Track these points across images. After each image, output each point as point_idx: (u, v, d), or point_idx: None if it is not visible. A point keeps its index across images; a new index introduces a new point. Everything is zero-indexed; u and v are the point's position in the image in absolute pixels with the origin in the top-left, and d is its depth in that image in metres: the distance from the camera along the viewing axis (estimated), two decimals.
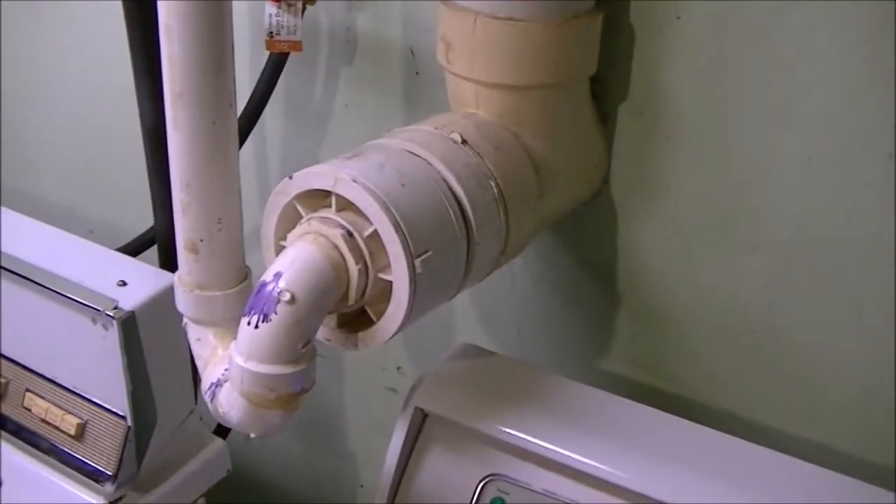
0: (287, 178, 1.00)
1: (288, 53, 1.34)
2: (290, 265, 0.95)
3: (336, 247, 0.96)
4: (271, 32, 1.28)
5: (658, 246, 1.24)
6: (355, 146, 1.07)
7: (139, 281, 1.30)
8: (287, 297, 0.93)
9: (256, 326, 0.94)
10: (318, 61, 1.43)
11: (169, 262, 1.41)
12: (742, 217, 1.17)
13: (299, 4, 1.27)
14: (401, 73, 1.36)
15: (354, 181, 0.95)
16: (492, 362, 1.20)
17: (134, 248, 1.56)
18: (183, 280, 1.09)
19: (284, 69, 1.37)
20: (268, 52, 1.34)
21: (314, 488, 1.83)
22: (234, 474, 1.49)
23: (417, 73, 1.34)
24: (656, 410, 1.14)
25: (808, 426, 1.22)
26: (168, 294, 1.25)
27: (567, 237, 1.31)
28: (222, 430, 1.53)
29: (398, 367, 1.56)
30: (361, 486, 1.76)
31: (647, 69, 1.17)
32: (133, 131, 1.53)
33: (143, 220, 1.59)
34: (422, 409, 1.14)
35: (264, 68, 1.37)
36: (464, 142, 1.06)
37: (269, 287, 0.94)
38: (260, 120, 1.41)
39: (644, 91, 1.18)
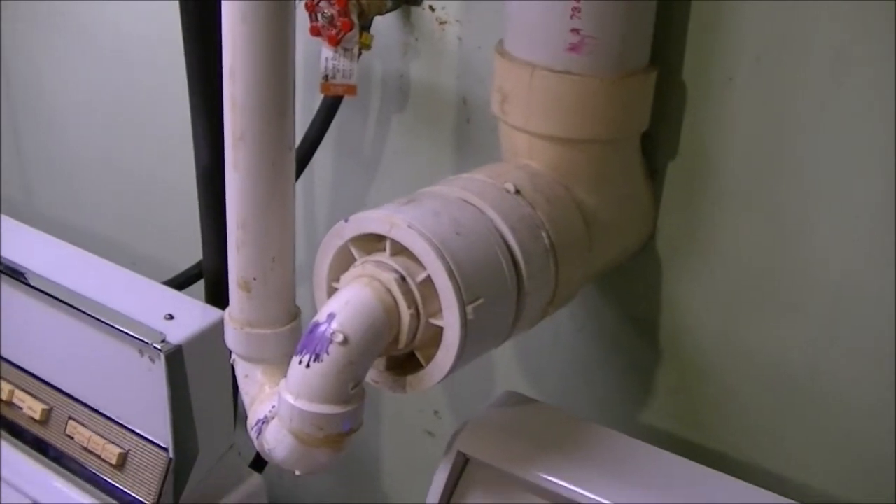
0: (342, 222, 1.01)
1: (342, 97, 1.36)
2: (343, 307, 0.96)
3: (389, 291, 0.97)
4: (327, 76, 1.30)
5: (701, 301, 1.25)
6: (404, 191, 1.08)
7: (186, 315, 1.32)
8: (340, 338, 0.94)
9: (308, 366, 0.96)
10: (370, 106, 1.44)
11: (216, 297, 1.43)
12: (786, 276, 1.18)
13: (356, 49, 1.28)
14: (452, 120, 1.37)
15: (410, 227, 0.97)
16: (535, 410, 1.21)
17: (180, 283, 1.57)
18: (234, 317, 1.10)
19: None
20: (321, 95, 1.36)
21: None
22: None
23: (469, 122, 1.35)
24: (696, 464, 1.15)
25: (844, 486, 1.22)
26: (214, 330, 1.27)
27: (612, 290, 1.32)
28: (258, 465, 1.55)
29: (435, 411, 1.57)
30: None
31: (698, 127, 1.18)
32: (180, 167, 1.56)
33: (186, 254, 1.61)
34: (464, 454, 1.15)
35: (318, 111, 1.39)
36: (517, 192, 1.08)
37: (322, 328, 0.95)
38: (309, 162, 1.43)
39: (693, 149, 1.19)
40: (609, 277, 1.30)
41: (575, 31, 1.06)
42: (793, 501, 1.09)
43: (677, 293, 1.26)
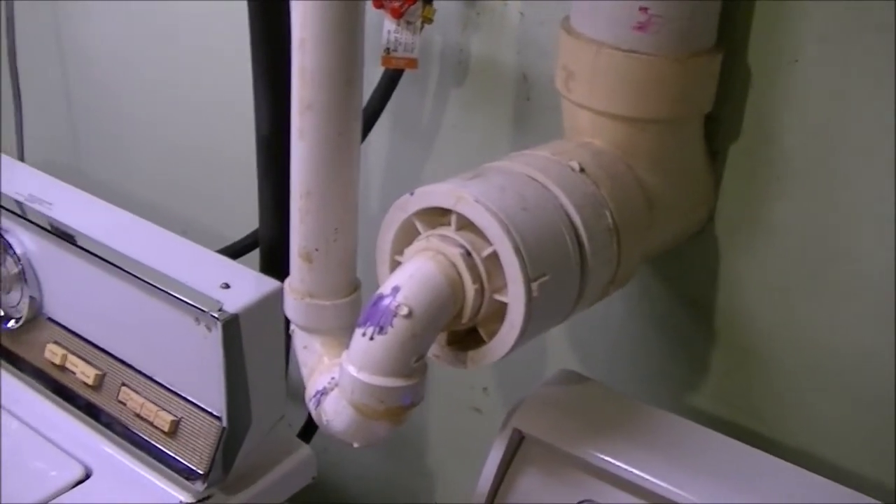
0: (407, 195, 1.01)
1: (403, 70, 1.36)
2: (408, 280, 0.96)
3: (454, 265, 0.97)
4: (388, 48, 1.30)
5: (758, 285, 1.24)
6: (460, 167, 1.08)
7: (242, 284, 1.32)
8: (405, 311, 0.94)
9: (371, 338, 0.96)
10: (429, 80, 1.44)
11: (271, 267, 1.43)
12: (844, 262, 1.17)
13: (418, 22, 1.28)
14: (511, 97, 1.37)
15: (477, 201, 0.97)
16: (591, 389, 1.21)
17: (234, 251, 1.58)
18: (294, 287, 1.10)
19: None
20: (382, 68, 1.36)
21: (389, 502, 1.84)
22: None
23: (528, 99, 1.35)
24: (750, 447, 1.14)
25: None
26: (270, 299, 1.28)
27: (666, 270, 1.31)
28: (305, 436, 1.55)
29: (484, 388, 1.57)
30: None
31: (761, 110, 1.17)
32: (234, 134, 1.55)
33: (238, 223, 1.61)
34: (520, 431, 1.15)
35: (378, 84, 1.39)
36: (581, 170, 1.07)
37: (387, 300, 0.95)
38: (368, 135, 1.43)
39: (756, 131, 1.18)
40: (665, 258, 1.30)
41: (643, 9, 1.05)
42: (843, 486, 1.10)
43: (734, 275, 1.26)
